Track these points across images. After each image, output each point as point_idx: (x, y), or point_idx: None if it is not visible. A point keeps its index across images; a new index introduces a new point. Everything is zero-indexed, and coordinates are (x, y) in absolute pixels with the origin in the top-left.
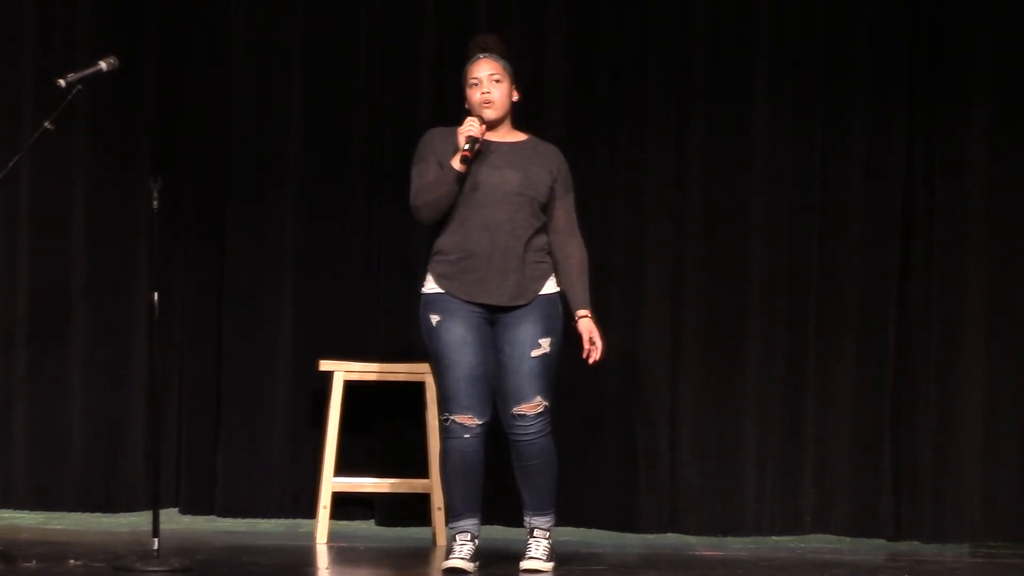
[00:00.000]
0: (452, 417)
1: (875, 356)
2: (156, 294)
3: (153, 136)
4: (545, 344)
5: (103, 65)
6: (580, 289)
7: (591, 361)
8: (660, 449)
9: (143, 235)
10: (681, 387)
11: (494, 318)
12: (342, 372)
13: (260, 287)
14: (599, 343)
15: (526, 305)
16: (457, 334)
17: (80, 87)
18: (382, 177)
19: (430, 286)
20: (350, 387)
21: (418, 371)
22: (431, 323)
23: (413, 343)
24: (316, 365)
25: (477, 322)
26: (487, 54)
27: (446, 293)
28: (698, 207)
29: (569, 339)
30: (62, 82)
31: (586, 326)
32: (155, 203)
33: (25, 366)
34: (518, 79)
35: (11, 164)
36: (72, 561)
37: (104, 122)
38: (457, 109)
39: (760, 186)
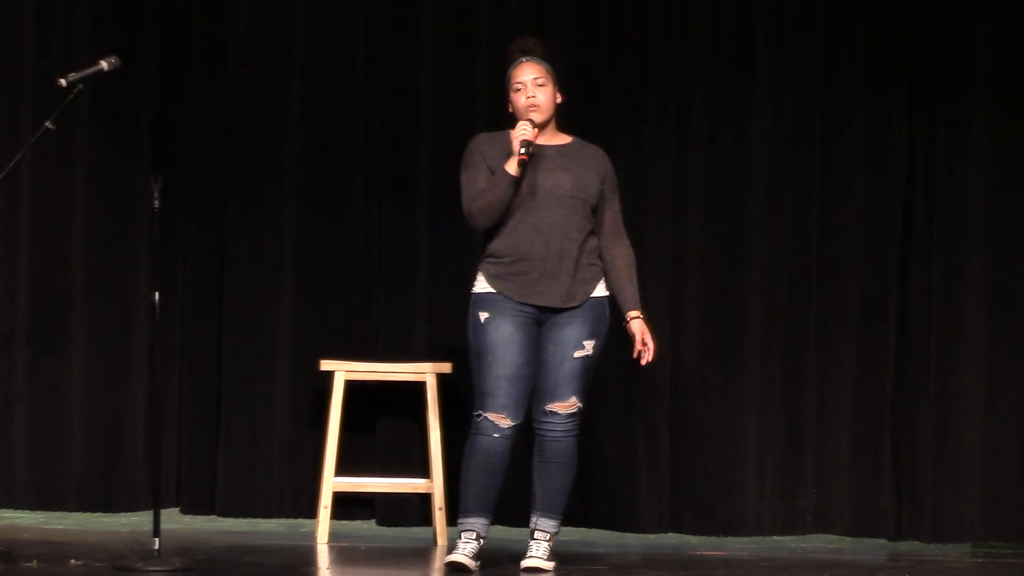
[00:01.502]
0: (485, 414)
1: (875, 355)
2: (156, 294)
3: (153, 136)
4: (589, 347)
5: (104, 65)
6: (631, 290)
7: (643, 362)
8: (660, 449)
9: (143, 235)
10: (681, 387)
11: (543, 318)
12: (343, 372)
13: (260, 287)
14: (651, 344)
15: (577, 307)
16: (505, 332)
17: (81, 87)
18: (382, 177)
19: (481, 286)
20: (351, 387)
21: (419, 371)
22: (479, 319)
23: (414, 342)
24: (317, 365)
25: (525, 322)
26: (529, 57)
27: (498, 293)
28: (698, 206)
29: (617, 341)
30: (63, 82)
31: (638, 327)
32: (155, 203)
33: (25, 366)
34: (561, 80)
35: (11, 164)
36: (73, 561)
37: (104, 122)
38: (457, 109)
39: (760, 185)
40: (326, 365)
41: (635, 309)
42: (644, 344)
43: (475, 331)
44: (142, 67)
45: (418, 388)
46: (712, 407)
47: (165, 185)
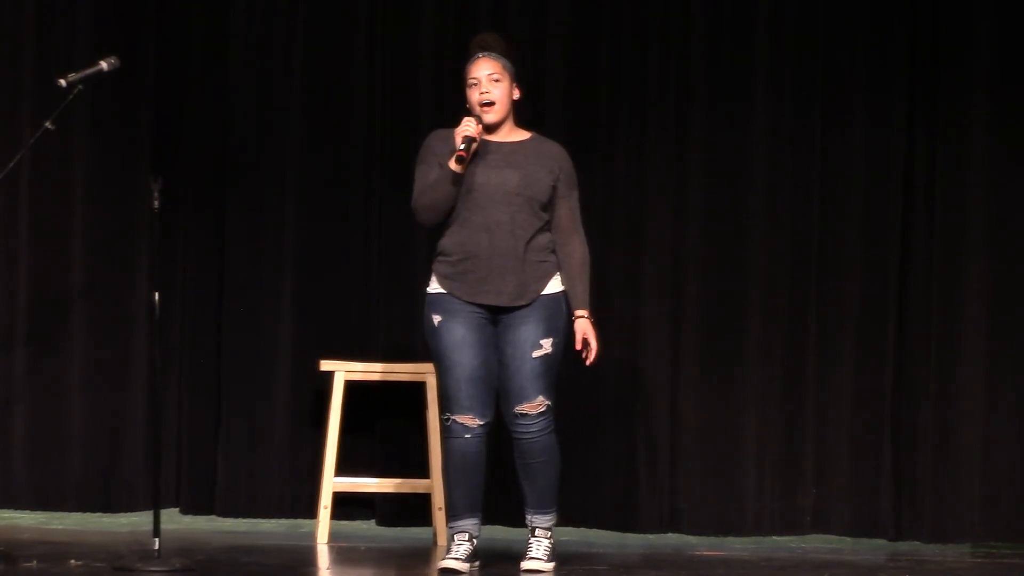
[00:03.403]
0: (453, 417)
1: (875, 355)
2: (156, 294)
3: (153, 136)
4: (547, 344)
5: (104, 65)
6: (580, 289)
7: (587, 362)
8: (660, 449)
9: (143, 235)
10: (681, 387)
11: (496, 318)
12: (343, 372)
13: (260, 287)
14: (594, 344)
15: (528, 305)
16: (458, 334)
17: (80, 87)
18: (382, 177)
19: (433, 286)
20: (351, 387)
21: (419, 371)
22: (433, 323)
23: (414, 343)
24: (316, 365)
25: (479, 322)
26: (486, 53)
27: (448, 293)
28: (698, 207)
29: (572, 338)
30: (62, 82)
31: (580, 327)
32: (155, 203)
33: (25, 366)
34: (520, 76)
35: (11, 164)
36: (73, 561)
37: (104, 122)
38: (457, 109)
39: (760, 185)
40: (326, 365)
41: (581, 308)
42: (586, 345)
43: (431, 335)
44: (142, 67)
45: (417, 388)
46: (712, 407)
47: (165, 185)
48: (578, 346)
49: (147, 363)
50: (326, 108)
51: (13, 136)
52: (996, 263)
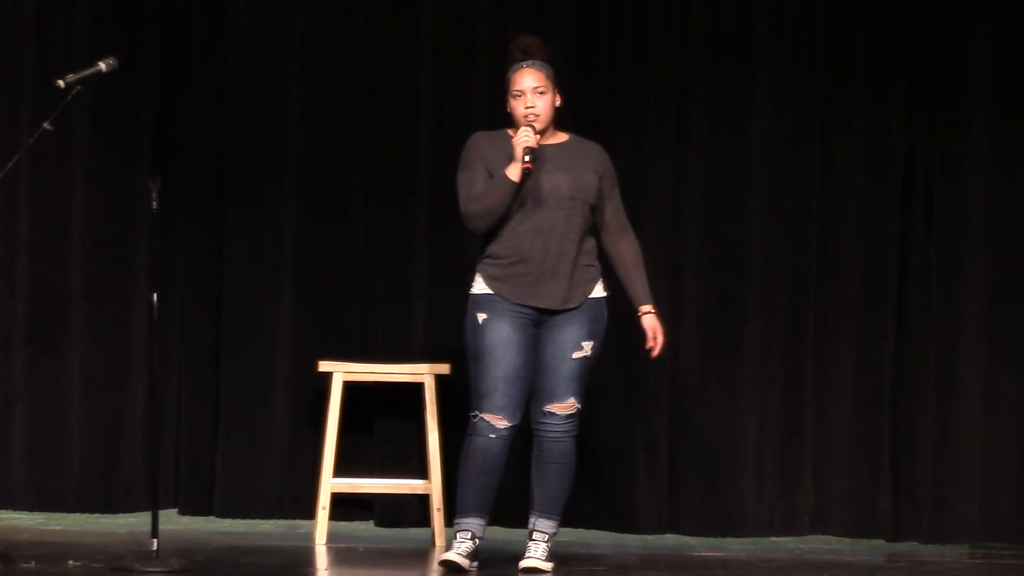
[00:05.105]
0: (482, 415)
1: (874, 355)
2: (156, 294)
3: (153, 136)
4: (587, 347)
5: (102, 66)
6: (640, 284)
7: (653, 355)
8: (659, 449)
9: (143, 235)
10: (681, 387)
11: (541, 320)
12: (341, 373)
13: (260, 287)
14: (660, 339)
15: (575, 308)
16: (503, 333)
17: (79, 88)
18: (382, 177)
19: (480, 287)
20: (349, 388)
21: (418, 372)
22: (477, 321)
23: (413, 343)
24: (315, 365)
25: (524, 323)
26: (531, 63)
27: (496, 294)
28: (698, 206)
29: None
30: (61, 83)
31: (650, 323)
32: (155, 203)
33: (25, 366)
34: (559, 82)
35: (11, 164)
36: (71, 562)
37: (104, 122)
38: (456, 108)
39: (760, 185)
40: (324, 366)
41: (647, 304)
42: (655, 339)
43: (473, 332)
44: (142, 67)
45: (416, 389)
46: (711, 407)
47: (164, 186)
48: (650, 342)
49: (146, 363)
50: (326, 108)
51: (13, 136)
52: (996, 263)
